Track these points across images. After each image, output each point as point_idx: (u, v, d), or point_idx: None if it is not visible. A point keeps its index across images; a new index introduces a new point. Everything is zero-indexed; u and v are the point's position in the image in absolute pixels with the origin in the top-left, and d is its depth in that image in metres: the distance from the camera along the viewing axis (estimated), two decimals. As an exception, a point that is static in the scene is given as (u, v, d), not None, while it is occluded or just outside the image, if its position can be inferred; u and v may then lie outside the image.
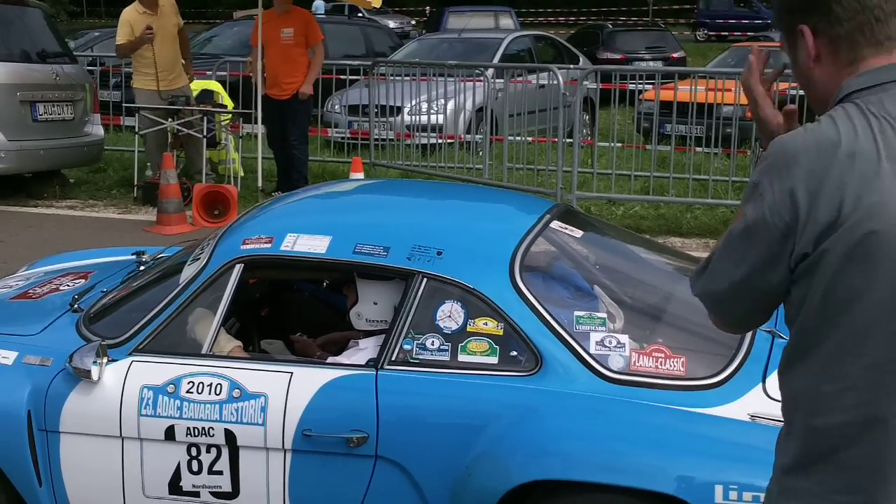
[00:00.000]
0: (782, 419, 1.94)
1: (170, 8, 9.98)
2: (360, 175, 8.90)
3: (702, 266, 1.99)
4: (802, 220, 1.78)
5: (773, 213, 1.81)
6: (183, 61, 10.16)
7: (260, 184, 10.33)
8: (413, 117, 11.71)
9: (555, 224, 3.99)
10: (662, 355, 3.36)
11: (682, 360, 3.36)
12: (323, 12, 25.60)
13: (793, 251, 1.81)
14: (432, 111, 11.62)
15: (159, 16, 9.82)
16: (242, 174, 10.63)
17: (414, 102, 11.60)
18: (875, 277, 1.77)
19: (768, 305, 1.94)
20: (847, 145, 1.78)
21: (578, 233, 4.08)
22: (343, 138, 12.58)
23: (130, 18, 9.85)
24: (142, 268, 4.49)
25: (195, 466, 3.48)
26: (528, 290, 3.47)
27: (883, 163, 1.77)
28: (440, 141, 11.54)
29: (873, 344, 1.79)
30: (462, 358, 3.40)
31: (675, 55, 22.04)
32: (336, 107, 13.18)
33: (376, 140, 11.72)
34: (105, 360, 3.53)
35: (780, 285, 1.86)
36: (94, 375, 3.49)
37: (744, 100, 8.95)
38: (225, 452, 3.45)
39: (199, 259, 3.81)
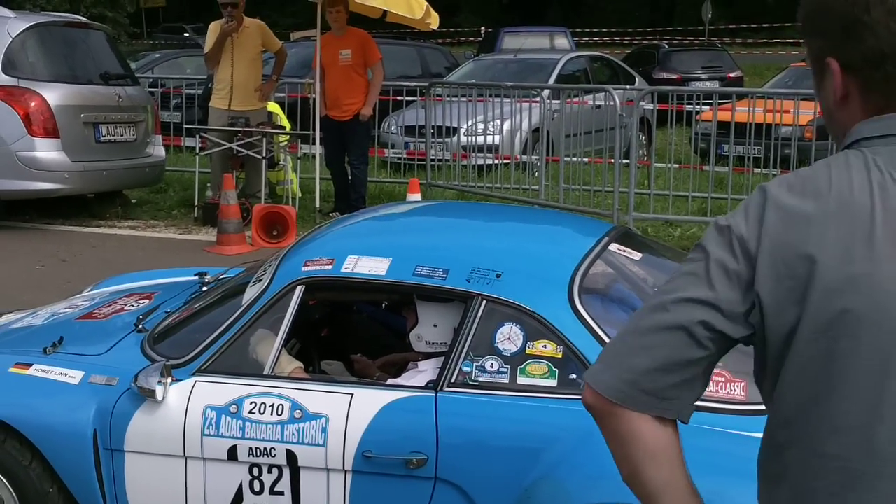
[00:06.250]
0: None
1: (256, 30, 10.19)
2: (417, 196, 8.95)
3: None
4: (764, 282, 1.52)
5: (735, 259, 1.55)
6: (262, 83, 10.34)
7: (318, 204, 10.42)
8: (469, 138, 11.77)
9: (613, 246, 3.99)
10: (722, 379, 3.34)
11: (742, 384, 3.34)
12: None
13: (751, 311, 1.54)
14: (488, 132, 11.66)
15: (240, 34, 10.01)
16: (300, 195, 10.74)
17: (470, 123, 11.66)
18: (850, 367, 1.49)
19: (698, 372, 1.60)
20: (836, 199, 1.50)
21: (637, 255, 4.07)
22: (399, 159, 12.67)
23: (214, 28, 10.13)
24: (204, 289, 4.55)
25: (257, 487, 3.52)
26: (586, 312, 3.47)
27: (877, 224, 1.48)
28: (496, 161, 11.59)
29: (842, 454, 1.51)
30: (521, 380, 3.41)
31: (731, 75, 21.93)
32: (393, 127, 13.29)
33: (432, 160, 11.79)
34: (169, 380, 3.58)
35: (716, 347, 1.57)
36: (159, 395, 3.54)
37: (802, 120, 8.88)
38: (286, 473, 3.48)
39: (261, 280, 3.86)
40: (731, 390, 3.33)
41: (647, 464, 1.60)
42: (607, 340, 3.38)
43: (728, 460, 3.17)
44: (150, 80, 14.19)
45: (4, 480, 3.74)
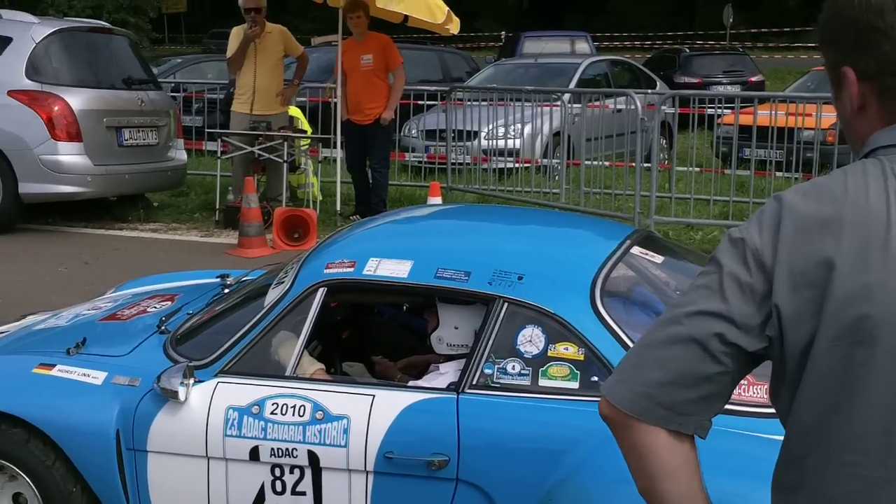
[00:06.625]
0: None
1: (278, 35, 10.21)
2: (438, 199, 8.97)
3: None
4: (782, 292, 1.50)
5: (749, 272, 1.53)
6: (283, 87, 10.36)
7: (338, 207, 10.46)
8: (490, 142, 11.77)
9: (635, 250, 3.98)
10: (745, 382, 3.33)
11: (764, 387, 3.32)
12: None
13: (767, 323, 1.53)
14: (509, 136, 11.67)
15: (263, 39, 10.04)
16: (321, 198, 10.77)
17: (491, 127, 11.66)
18: (869, 373, 1.47)
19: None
20: (851, 207, 1.49)
21: (659, 258, 4.07)
22: (420, 162, 12.69)
23: (237, 33, 10.16)
24: (226, 291, 4.57)
25: (279, 487, 3.53)
26: (608, 315, 3.47)
27: (893, 233, 1.47)
28: (517, 165, 11.59)
29: (862, 461, 1.50)
30: (543, 383, 3.41)
31: (753, 79, 21.85)
32: (413, 131, 13.31)
33: (453, 164, 11.79)
34: (192, 381, 3.60)
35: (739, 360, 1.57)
36: (182, 396, 3.56)
37: (825, 124, 8.83)
38: (308, 473, 3.49)
39: (283, 282, 3.87)
40: (753, 393, 3.32)
41: (663, 478, 1.59)
42: (629, 343, 3.38)
43: (751, 462, 3.15)
44: (172, 84, 14.25)
45: (28, 480, 3.77)
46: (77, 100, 9.87)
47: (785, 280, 1.50)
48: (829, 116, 10.03)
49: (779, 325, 1.52)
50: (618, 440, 1.65)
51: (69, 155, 9.76)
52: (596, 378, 3.38)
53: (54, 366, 3.87)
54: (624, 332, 3.42)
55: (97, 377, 3.79)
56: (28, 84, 9.74)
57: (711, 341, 1.55)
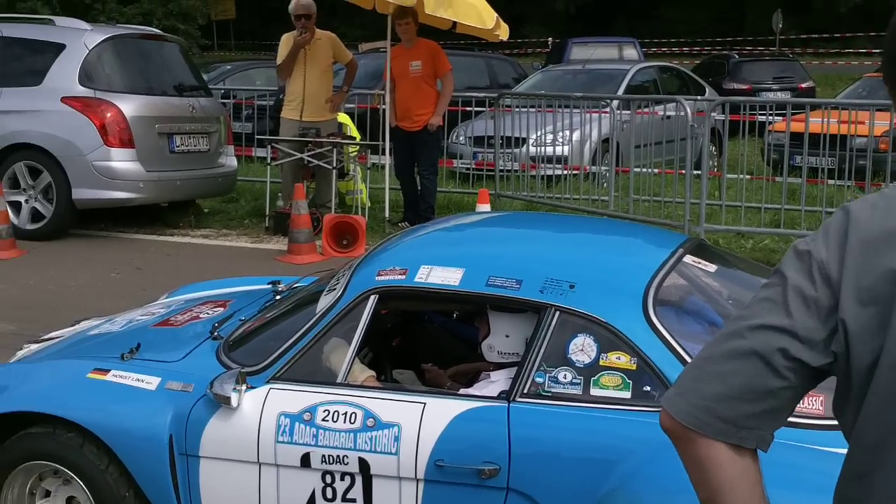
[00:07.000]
0: None
1: (327, 42, 10.27)
2: (487, 207, 8.96)
3: None
4: (849, 307, 1.48)
5: (814, 286, 1.51)
6: (333, 94, 10.43)
7: (387, 214, 10.48)
8: (538, 148, 11.75)
9: (688, 258, 3.96)
10: (800, 393, 3.30)
11: (820, 398, 3.29)
12: None
13: (832, 338, 1.51)
14: (557, 142, 11.63)
15: (312, 46, 10.10)
16: (369, 205, 10.80)
17: (539, 133, 11.64)
18: None
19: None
20: None
21: (712, 267, 4.04)
22: (468, 169, 12.69)
23: (287, 39, 10.23)
24: (278, 297, 4.59)
25: (329, 494, 3.54)
26: (661, 324, 3.45)
27: None
28: (565, 172, 11.55)
29: None
30: (594, 392, 3.39)
31: (803, 85, 21.60)
32: (461, 138, 13.32)
33: (501, 171, 11.78)
34: (244, 387, 3.62)
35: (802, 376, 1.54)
36: (234, 402, 3.58)
37: (878, 131, 8.70)
38: (359, 481, 3.50)
39: (334, 290, 3.89)
40: (808, 404, 3.28)
41: (725, 489, 1.58)
42: (682, 353, 3.36)
43: (805, 475, 3.13)
44: (222, 91, 14.36)
45: (82, 484, 3.82)
46: (129, 106, 9.97)
47: (851, 295, 1.48)
48: (882, 124, 9.91)
49: (845, 341, 1.50)
50: (679, 452, 1.63)
51: (122, 161, 9.87)
52: (648, 388, 3.36)
53: (109, 371, 3.91)
54: (677, 342, 3.40)
55: (151, 382, 3.83)
56: (81, 91, 9.85)
57: (774, 356, 1.53)
